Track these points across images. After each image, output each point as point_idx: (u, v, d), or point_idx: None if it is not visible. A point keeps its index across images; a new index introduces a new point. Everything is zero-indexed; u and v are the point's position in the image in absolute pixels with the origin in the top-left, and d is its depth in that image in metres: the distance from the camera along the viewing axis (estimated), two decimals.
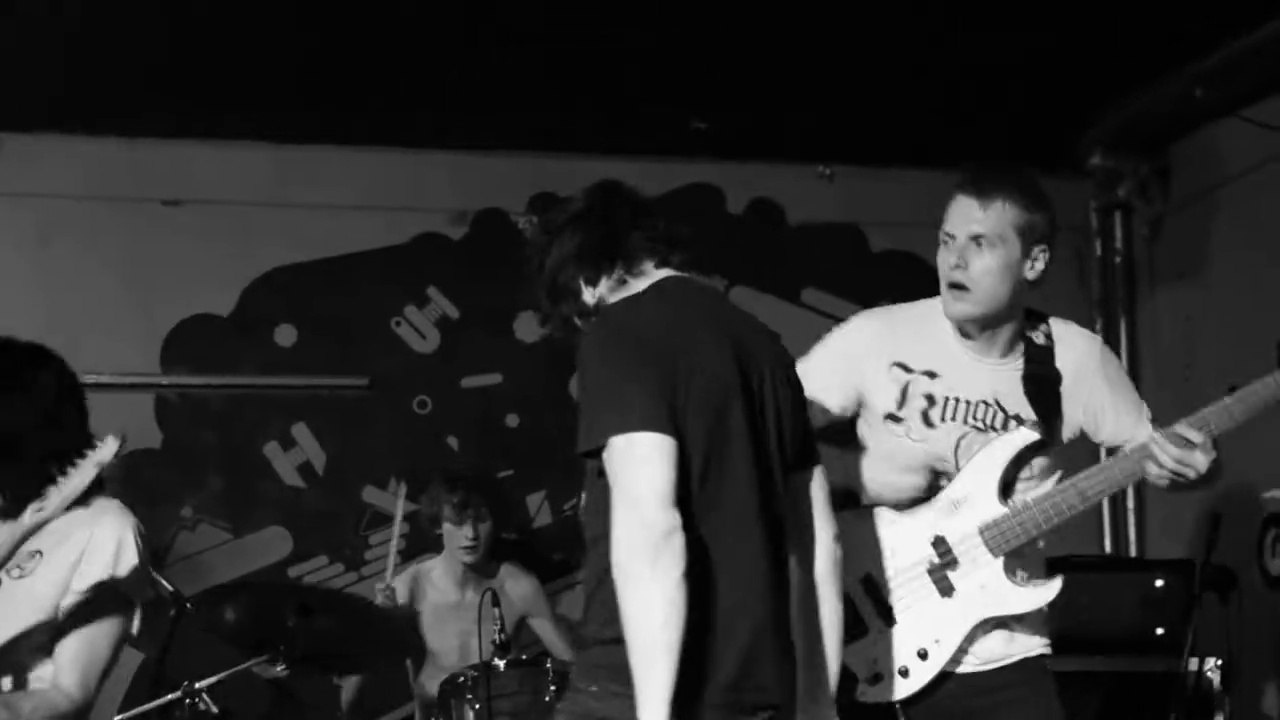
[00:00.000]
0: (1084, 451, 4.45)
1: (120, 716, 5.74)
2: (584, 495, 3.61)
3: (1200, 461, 4.08)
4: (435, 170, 7.68)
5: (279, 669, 5.57)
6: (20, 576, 3.90)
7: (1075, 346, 4.31)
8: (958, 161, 7.45)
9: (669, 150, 7.74)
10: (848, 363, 4.27)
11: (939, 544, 4.19)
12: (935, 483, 4.23)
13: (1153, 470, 4.12)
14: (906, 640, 4.19)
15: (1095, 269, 8.01)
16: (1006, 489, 4.19)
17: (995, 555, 4.16)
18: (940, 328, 4.25)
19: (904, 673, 4.18)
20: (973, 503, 4.17)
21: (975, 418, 4.20)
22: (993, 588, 4.17)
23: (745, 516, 3.46)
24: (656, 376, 3.37)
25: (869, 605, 4.23)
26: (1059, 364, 4.26)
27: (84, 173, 7.34)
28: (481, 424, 7.56)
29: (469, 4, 6.27)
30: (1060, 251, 7.97)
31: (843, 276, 7.77)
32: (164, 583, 5.99)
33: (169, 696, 5.59)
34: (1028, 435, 4.18)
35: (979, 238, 4.14)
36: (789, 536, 3.64)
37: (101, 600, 3.92)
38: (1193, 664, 5.72)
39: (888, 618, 4.21)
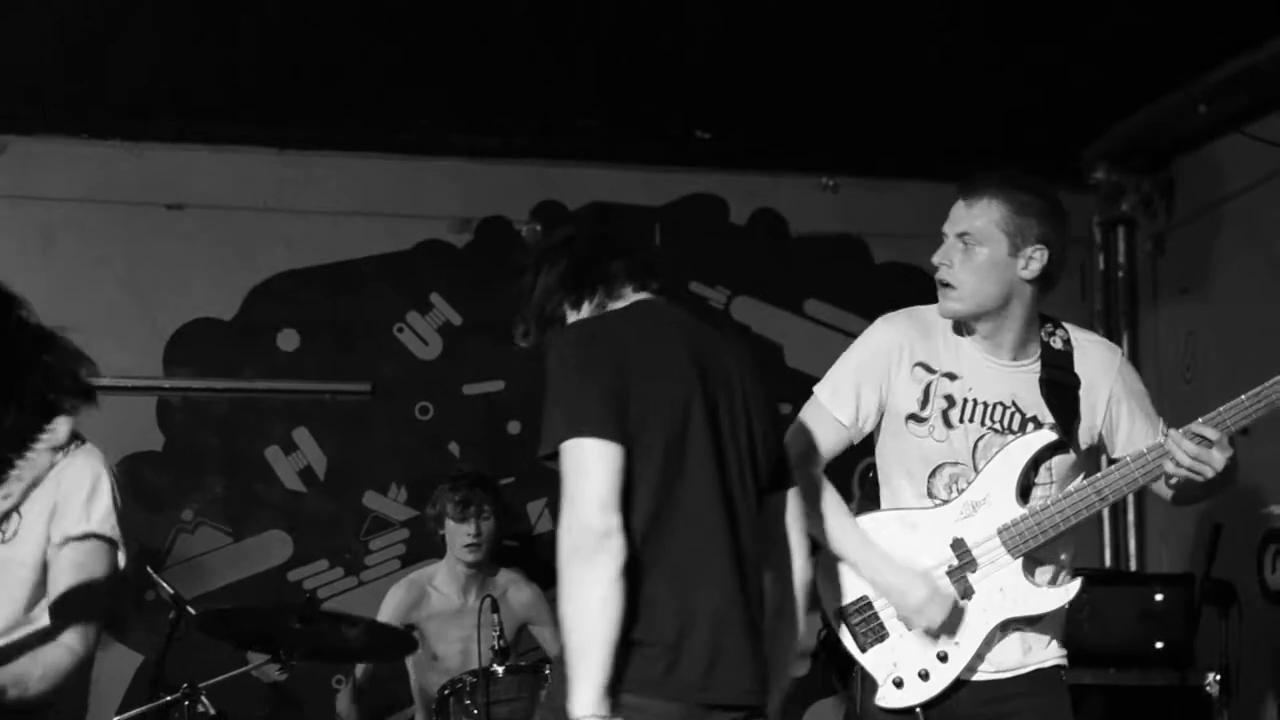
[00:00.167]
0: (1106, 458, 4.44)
1: (119, 718, 5.77)
2: None
3: (1217, 460, 4.06)
4: (439, 177, 7.68)
5: (278, 672, 5.60)
6: (3, 541, 3.89)
7: (1095, 355, 4.33)
8: (961, 174, 7.52)
9: (673, 160, 7.76)
10: (875, 367, 4.28)
11: (958, 546, 4.20)
12: (954, 484, 4.23)
13: (1169, 467, 4.10)
14: (927, 643, 4.20)
15: (1098, 283, 8.00)
16: (1025, 491, 4.20)
17: (1014, 556, 4.17)
18: (955, 334, 4.29)
19: (924, 676, 4.18)
20: (991, 505, 4.18)
21: (993, 419, 4.22)
22: (1011, 589, 4.17)
23: (709, 525, 3.57)
24: (610, 386, 3.51)
25: (891, 609, 4.23)
26: (1077, 370, 4.27)
27: (88, 176, 7.34)
28: (483, 431, 7.57)
29: (474, 13, 6.28)
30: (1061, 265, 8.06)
31: (845, 288, 7.77)
32: (164, 585, 6.01)
33: (168, 698, 5.61)
34: (1045, 436, 4.19)
35: (964, 235, 4.20)
36: (763, 552, 3.74)
37: (83, 548, 3.90)
38: (1192, 678, 5.72)
39: (909, 623, 4.21)
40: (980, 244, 4.18)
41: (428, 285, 7.65)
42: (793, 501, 3.87)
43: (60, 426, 3.59)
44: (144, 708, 5.73)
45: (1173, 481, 4.18)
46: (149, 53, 6.56)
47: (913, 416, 4.25)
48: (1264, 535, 6.71)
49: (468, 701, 5.48)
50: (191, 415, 7.42)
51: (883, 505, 4.34)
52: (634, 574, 3.44)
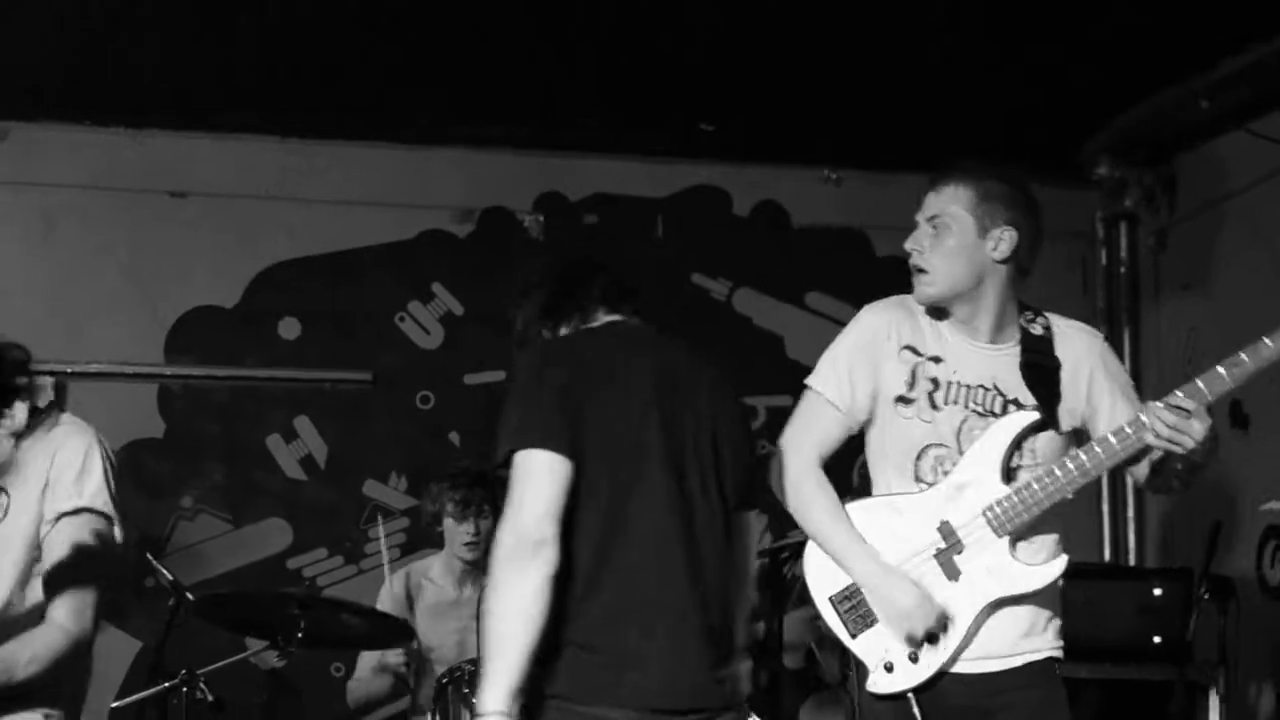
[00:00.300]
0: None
1: (117, 703, 5.77)
2: None
3: (1196, 429, 4.05)
4: (442, 168, 7.69)
5: (277, 659, 5.59)
6: None
7: (1076, 339, 4.36)
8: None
9: (676, 152, 7.77)
10: (865, 351, 4.31)
11: (944, 528, 4.21)
12: (939, 467, 4.24)
13: (1149, 439, 4.10)
14: None
15: (1100, 279, 8.01)
16: (1009, 473, 4.21)
17: (999, 535, 4.18)
18: (936, 318, 4.33)
19: (914, 659, 4.19)
20: (976, 486, 4.19)
21: (975, 401, 4.25)
22: (999, 569, 4.18)
23: (662, 537, 3.67)
24: (563, 402, 3.63)
25: None
26: (1058, 353, 4.31)
27: (90, 163, 7.35)
28: (484, 421, 7.54)
29: (478, 3, 6.28)
30: (1064, 260, 8.08)
31: (847, 280, 7.76)
32: (164, 571, 6.02)
33: (166, 684, 5.62)
34: (1026, 417, 4.22)
35: (933, 219, 4.28)
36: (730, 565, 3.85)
37: (76, 522, 3.89)
38: (1190, 672, 5.72)
39: (893, 626, 4.21)
40: (949, 227, 4.26)
41: (429, 275, 7.66)
42: (754, 523, 4.00)
43: (18, 411, 3.61)
44: (143, 694, 5.74)
45: (1155, 456, 4.20)
46: (153, 41, 6.55)
47: (901, 399, 4.27)
48: (1263, 531, 6.72)
49: (466, 690, 5.47)
50: (192, 403, 7.43)
51: (873, 493, 4.36)
52: (586, 583, 3.59)
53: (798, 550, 4.63)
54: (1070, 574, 6.08)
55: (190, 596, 5.87)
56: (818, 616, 4.33)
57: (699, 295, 7.86)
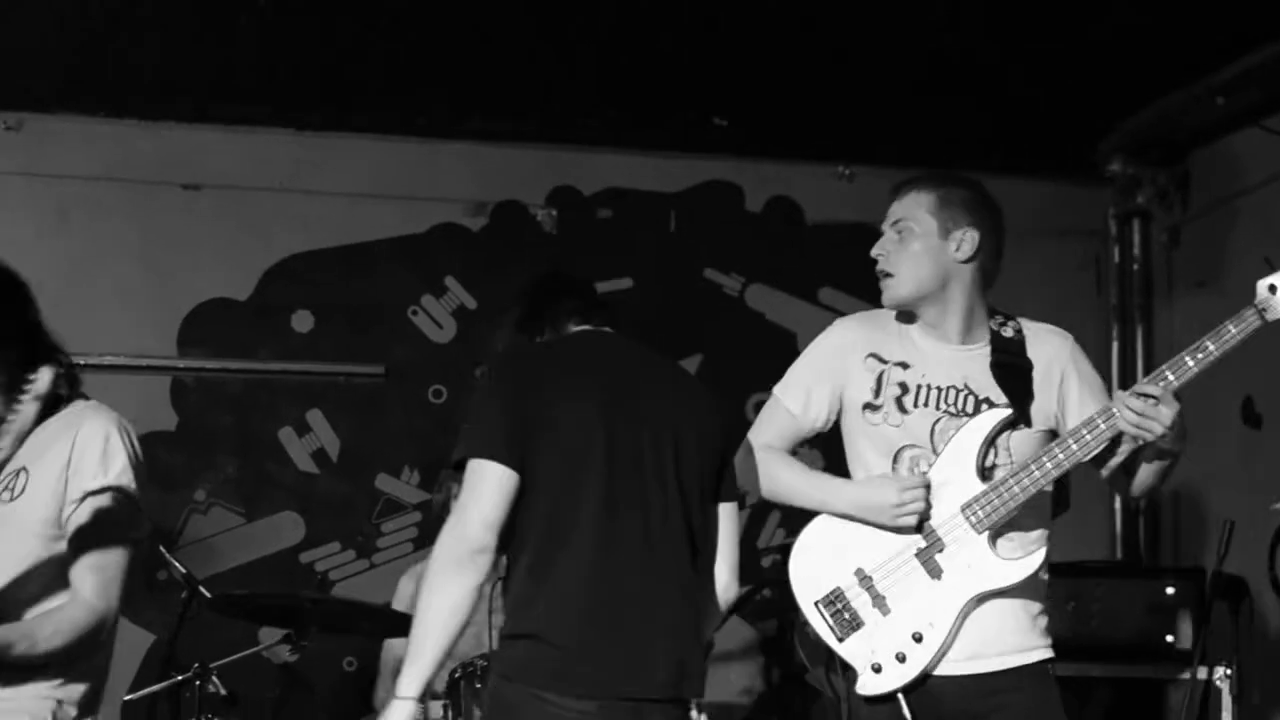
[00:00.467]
0: None
1: (130, 696, 5.78)
2: None
3: (1164, 415, 4.11)
4: (455, 161, 7.69)
5: (290, 653, 5.60)
6: (11, 500, 3.89)
7: (1047, 341, 4.44)
8: (976, 164, 7.49)
9: (689, 146, 7.76)
10: (827, 363, 4.45)
11: (924, 528, 4.28)
12: (915, 467, 4.32)
13: (1121, 425, 4.16)
14: (901, 626, 4.26)
15: (1113, 276, 8.00)
16: (986, 471, 4.28)
17: (979, 532, 4.24)
18: (905, 325, 4.44)
19: (901, 658, 4.24)
20: (953, 485, 4.26)
21: (947, 402, 4.32)
22: (979, 564, 4.24)
23: (613, 533, 3.87)
24: (517, 411, 3.87)
25: (864, 597, 4.30)
26: (1030, 355, 4.39)
27: (103, 155, 7.35)
28: None
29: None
30: (1077, 257, 8.08)
31: (860, 276, 7.63)
32: (176, 564, 6.02)
33: (179, 678, 5.63)
34: (998, 414, 4.29)
35: (897, 224, 4.42)
36: (708, 557, 4.07)
37: (102, 504, 3.90)
38: (1202, 672, 5.72)
39: (882, 607, 4.28)
40: (912, 230, 4.37)
41: (442, 268, 7.66)
42: (725, 515, 4.11)
43: (43, 375, 3.62)
44: (155, 687, 5.74)
45: (1121, 448, 4.27)
46: (167, 32, 6.56)
47: (868, 405, 4.36)
48: (1275, 530, 6.70)
49: (479, 685, 5.48)
50: (205, 395, 7.44)
51: None
52: (536, 582, 3.83)
53: None
54: (1082, 572, 6.12)
55: (204, 590, 5.88)
56: (806, 623, 4.39)
57: (712, 290, 7.86)
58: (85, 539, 3.86)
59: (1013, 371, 4.35)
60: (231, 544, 7.29)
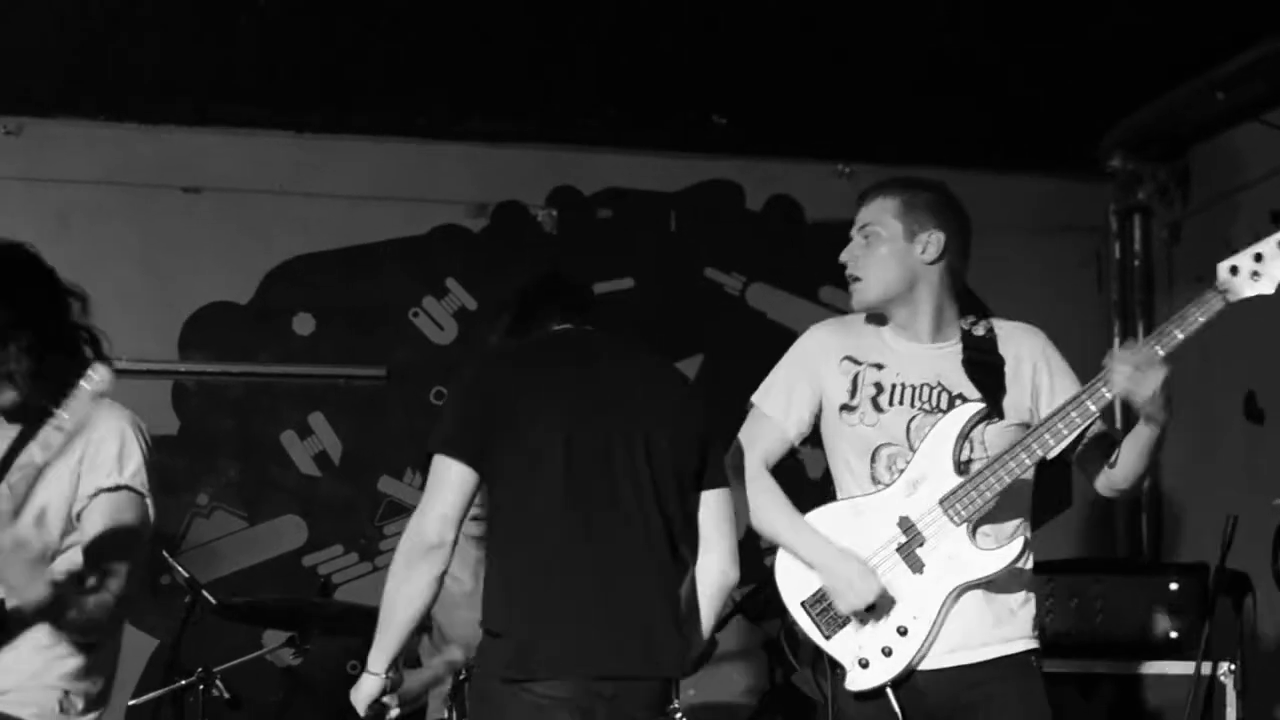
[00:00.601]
0: None
1: (134, 701, 5.78)
2: None
3: (1154, 377, 4.14)
4: (455, 162, 7.69)
5: (293, 656, 5.60)
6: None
7: (1019, 337, 4.53)
8: (977, 162, 7.50)
9: (689, 145, 7.76)
10: (804, 367, 4.54)
11: (904, 523, 4.35)
12: (893, 465, 4.40)
13: (1107, 394, 4.20)
14: (886, 621, 4.33)
15: (1114, 271, 8.00)
16: (963, 466, 4.36)
17: (957, 524, 4.31)
18: (878, 326, 4.54)
19: (887, 652, 4.31)
20: (930, 480, 4.34)
21: (921, 400, 4.42)
22: (959, 556, 4.32)
23: (564, 534, 4.02)
24: (483, 410, 4.08)
25: None
26: (1002, 351, 4.48)
27: (103, 159, 7.35)
28: None
29: (491, 2, 6.29)
30: (1078, 254, 8.08)
31: None
32: (179, 569, 6.02)
33: (183, 682, 5.63)
34: (970, 409, 4.37)
35: (863, 228, 4.51)
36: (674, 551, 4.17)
37: (116, 497, 3.92)
38: (1206, 668, 5.71)
39: (840, 602, 4.35)
40: (878, 234, 4.46)
41: (443, 270, 7.66)
42: (711, 502, 4.21)
43: (103, 372, 3.62)
44: (159, 691, 5.74)
45: (1093, 433, 4.36)
46: (167, 34, 6.56)
47: (844, 406, 4.46)
48: (1278, 525, 6.70)
49: None
50: (206, 399, 7.43)
51: (839, 498, 4.52)
52: (506, 576, 4.07)
53: None
54: (1086, 568, 6.13)
55: (206, 594, 5.88)
56: (793, 623, 4.46)
57: (712, 290, 7.86)
58: (99, 531, 3.88)
59: (984, 368, 4.43)
60: (234, 548, 7.29)
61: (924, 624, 4.30)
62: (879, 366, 4.45)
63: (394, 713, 4.13)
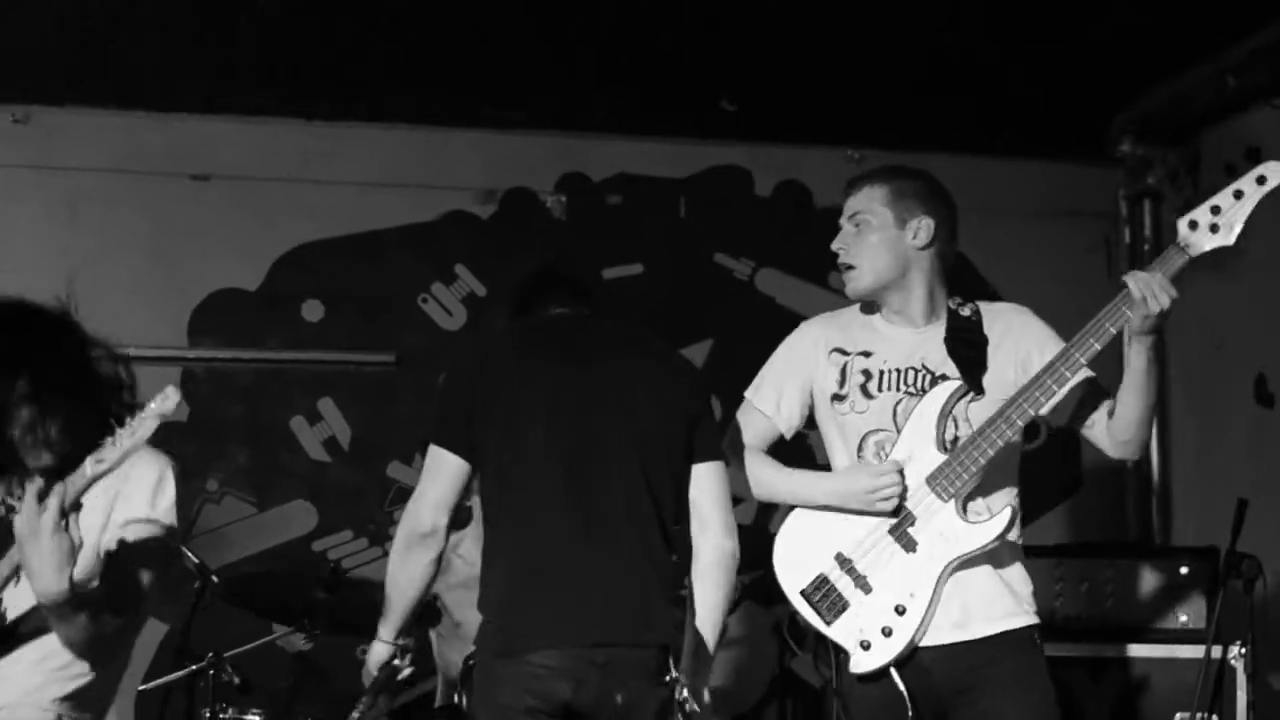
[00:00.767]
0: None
1: (144, 686, 5.79)
2: None
3: (1168, 296, 4.15)
4: (464, 149, 7.69)
5: (303, 642, 5.60)
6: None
7: (1003, 316, 4.59)
8: (986, 147, 7.49)
9: (698, 131, 7.76)
10: (795, 362, 4.62)
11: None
12: (881, 450, 4.46)
13: (1134, 292, 4.16)
14: (884, 602, 4.39)
15: (1124, 256, 7.98)
16: (948, 441, 4.41)
17: (945, 500, 4.37)
18: (868, 315, 4.61)
19: (887, 632, 4.36)
20: (915, 459, 4.40)
21: (907, 383, 4.48)
22: (949, 531, 4.38)
23: (550, 515, 4.17)
24: (464, 400, 4.26)
25: (846, 580, 4.43)
26: (986, 331, 4.53)
27: (112, 147, 7.36)
28: None
29: None
30: (1088, 239, 8.07)
31: None
32: (189, 555, 6.02)
33: (193, 668, 5.63)
34: (949, 386, 4.43)
35: (854, 217, 4.60)
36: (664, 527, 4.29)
37: (144, 530, 3.94)
38: (1216, 652, 5.71)
39: (865, 586, 4.41)
40: (869, 222, 4.55)
41: (452, 256, 7.66)
42: (703, 475, 4.32)
43: (173, 396, 3.64)
44: (169, 677, 5.75)
45: (1085, 389, 4.41)
46: (175, 23, 6.56)
47: (835, 397, 4.53)
48: None
49: None
50: (216, 385, 7.45)
51: None
52: (492, 557, 4.25)
53: None
54: (1096, 553, 6.14)
55: (216, 580, 5.89)
56: (795, 613, 4.51)
57: (722, 275, 7.86)
58: (118, 562, 3.89)
59: (966, 345, 4.49)
60: (244, 533, 7.31)
61: (921, 601, 4.35)
62: (866, 354, 4.53)
63: (406, 672, 4.35)
